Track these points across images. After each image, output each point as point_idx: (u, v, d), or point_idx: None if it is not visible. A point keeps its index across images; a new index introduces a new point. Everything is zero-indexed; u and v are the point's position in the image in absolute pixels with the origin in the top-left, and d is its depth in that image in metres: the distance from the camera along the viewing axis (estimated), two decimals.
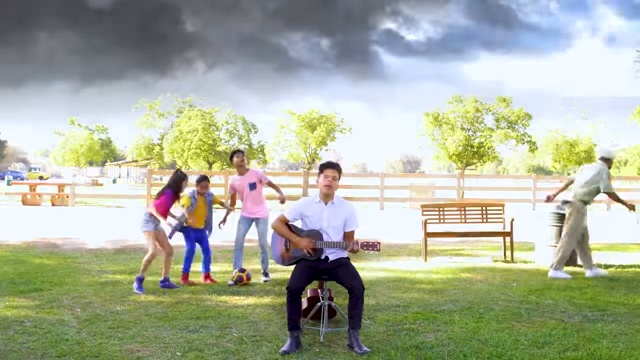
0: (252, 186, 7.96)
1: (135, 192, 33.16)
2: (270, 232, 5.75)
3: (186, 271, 7.79)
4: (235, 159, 8.01)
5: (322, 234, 5.21)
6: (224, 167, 37.41)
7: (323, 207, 5.29)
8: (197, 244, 7.93)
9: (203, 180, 7.89)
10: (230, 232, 8.30)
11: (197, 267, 8.30)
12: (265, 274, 8.01)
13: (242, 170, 8.05)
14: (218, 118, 39.45)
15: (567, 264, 9.36)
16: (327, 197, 5.29)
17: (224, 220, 8.00)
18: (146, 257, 7.34)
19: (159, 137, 48.18)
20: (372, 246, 5.21)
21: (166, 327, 5.61)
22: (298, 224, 5.40)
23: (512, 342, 5.15)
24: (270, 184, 8.19)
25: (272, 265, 8.30)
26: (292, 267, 5.33)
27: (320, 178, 5.28)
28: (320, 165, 5.38)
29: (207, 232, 7.99)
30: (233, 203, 8.23)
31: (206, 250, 7.93)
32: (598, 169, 8.60)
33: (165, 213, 7.35)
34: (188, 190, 7.90)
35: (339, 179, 5.31)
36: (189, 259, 7.82)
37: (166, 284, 7.40)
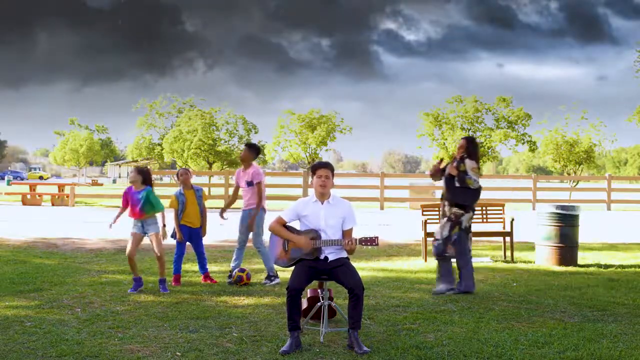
0: (249, 183, 7.97)
1: None
2: (267, 232, 5.73)
3: (177, 273, 7.74)
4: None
5: (319, 233, 5.21)
6: (223, 167, 37.28)
7: (320, 206, 5.29)
8: (187, 243, 7.88)
9: (180, 172, 7.87)
10: (230, 232, 8.28)
11: (195, 267, 8.30)
12: (269, 277, 7.80)
13: (245, 165, 8.06)
14: (218, 118, 39.38)
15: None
16: (323, 196, 5.31)
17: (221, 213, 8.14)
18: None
19: (159, 137, 48.13)
20: (370, 241, 5.20)
21: (166, 327, 5.61)
22: (296, 224, 5.40)
23: (512, 342, 5.14)
24: (257, 187, 7.84)
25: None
26: (292, 267, 5.33)
27: (314, 179, 5.30)
28: (312, 167, 5.40)
29: (201, 232, 7.96)
30: (234, 200, 8.35)
31: (200, 254, 7.88)
32: None
33: (132, 210, 7.19)
34: (175, 191, 7.90)
35: (333, 177, 5.32)
36: (178, 260, 7.78)
37: (161, 286, 7.33)
